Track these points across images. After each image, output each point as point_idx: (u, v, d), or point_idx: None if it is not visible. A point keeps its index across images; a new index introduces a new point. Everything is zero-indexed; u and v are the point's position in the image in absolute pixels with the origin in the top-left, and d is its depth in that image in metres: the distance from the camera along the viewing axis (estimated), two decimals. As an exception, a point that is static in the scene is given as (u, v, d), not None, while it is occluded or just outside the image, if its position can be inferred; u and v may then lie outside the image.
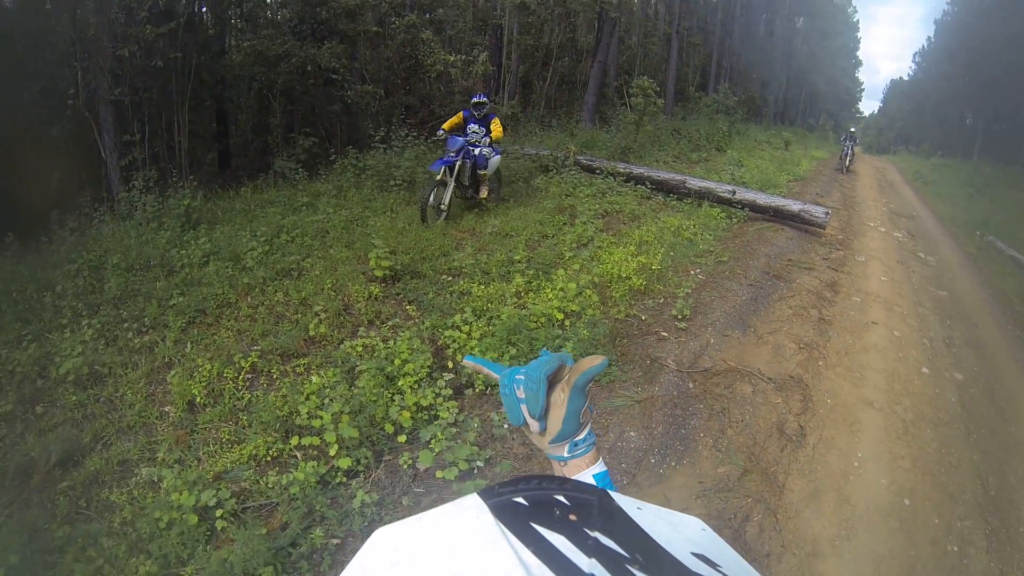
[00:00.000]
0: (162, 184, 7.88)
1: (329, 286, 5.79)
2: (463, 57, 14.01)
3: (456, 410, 4.19)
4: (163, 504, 3.32)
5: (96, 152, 9.51)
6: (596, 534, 0.50)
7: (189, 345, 4.89)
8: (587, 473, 0.83)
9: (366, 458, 3.82)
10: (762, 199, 9.78)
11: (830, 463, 3.93)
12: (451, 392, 4.37)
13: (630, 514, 0.56)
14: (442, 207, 7.88)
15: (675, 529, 0.57)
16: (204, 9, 11.77)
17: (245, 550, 3.08)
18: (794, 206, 9.55)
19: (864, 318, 6.42)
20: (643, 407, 4.39)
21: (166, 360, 4.73)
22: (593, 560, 0.46)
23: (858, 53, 56.94)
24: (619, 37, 18.49)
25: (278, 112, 11.69)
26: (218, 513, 3.33)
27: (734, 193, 9.76)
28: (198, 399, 4.29)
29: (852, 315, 6.48)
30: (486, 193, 8.57)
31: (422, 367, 4.54)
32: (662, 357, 5.07)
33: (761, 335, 5.63)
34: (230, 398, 4.33)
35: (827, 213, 9.44)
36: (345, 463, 3.73)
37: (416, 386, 4.40)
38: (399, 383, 4.39)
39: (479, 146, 8.14)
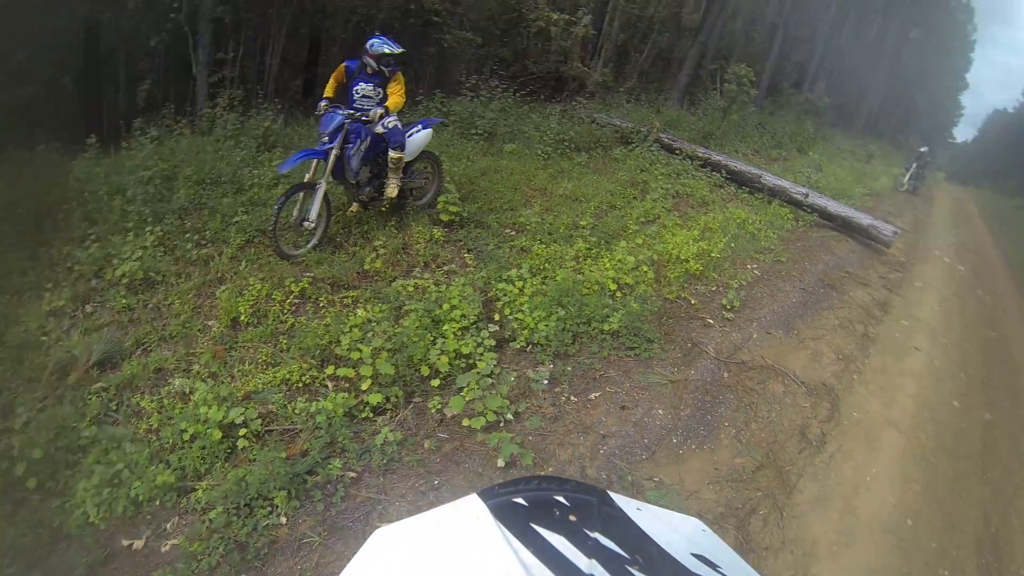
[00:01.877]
0: (246, 104, 7.89)
1: (392, 224, 5.71)
2: (566, 16, 13.49)
3: (495, 362, 4.05)
4: (190, 416, 3.31)
5: (187, 67, 9.65)
6: (596, 535, 0.49)
7: (244, 263, 4.87)
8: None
9: (396, 397, 3.72)
10: (833, 207, 9.65)
11: (844, 473, 3.94)
12: (493, 343, 4.22)
13: (630, 515, 0.54)
14: (307, 223, 5.07)
15: (675, 530, 0.56)
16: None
17: (263, 471, 3.05)
18: (864, 220, 9.45)
19: (908, 342, 6.30)
20: (675, 388, 4.42)
21: (219, 275, 4.73)
22: (593, 561, 0.45)
23: (967, 75, 49.34)
24: (724, 20, 17.23)
25: (371, 48, 11.54)
26: (242, 432, 3.30)
27: (807, 196, 9.58)
28: (242, 317, 4.28)
29: (896, 337, 6.37)
30: (395, 190, 5.54)
31: (469, 315, 4.42)
32: (703, 343, 5.10)
33: (803, 339, 5.64)
34: (274, 320, 4.30)
35: (895, 232, 9.29)
36: (375, 399, 3.64)
37: (460, 333, 4.27)
38: (443, 327, 4.27)
39: (372, 120, 5.21)
